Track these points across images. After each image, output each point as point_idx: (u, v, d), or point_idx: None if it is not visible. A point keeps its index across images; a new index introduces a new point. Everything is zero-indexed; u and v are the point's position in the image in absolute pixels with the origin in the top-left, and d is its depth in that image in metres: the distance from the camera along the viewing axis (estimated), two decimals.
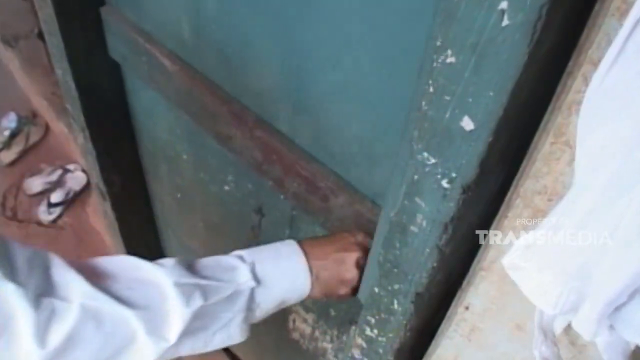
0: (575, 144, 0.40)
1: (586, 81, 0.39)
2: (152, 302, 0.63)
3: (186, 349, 0.66)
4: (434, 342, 0.69)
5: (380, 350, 0.74)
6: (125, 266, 0.66)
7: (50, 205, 2.49)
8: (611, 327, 0.43)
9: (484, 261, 0.55)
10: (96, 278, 0.61)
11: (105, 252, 2.37)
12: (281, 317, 1.32)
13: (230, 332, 0.70)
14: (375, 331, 0.72)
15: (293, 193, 0.90)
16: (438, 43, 0.42)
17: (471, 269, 0.58)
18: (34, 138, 2.73)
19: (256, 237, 1.20)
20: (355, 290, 0.77)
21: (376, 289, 0.67)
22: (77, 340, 0.57)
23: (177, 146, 1.25)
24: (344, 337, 1.09)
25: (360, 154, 0.78)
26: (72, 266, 0.61)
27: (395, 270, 0.62)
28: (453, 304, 0.63)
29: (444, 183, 0.49)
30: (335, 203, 0.84)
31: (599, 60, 0.36)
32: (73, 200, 2.55)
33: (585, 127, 0.39)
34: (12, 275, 0.54)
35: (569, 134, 0.42)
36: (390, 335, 0.70)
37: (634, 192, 0.37)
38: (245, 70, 0.87)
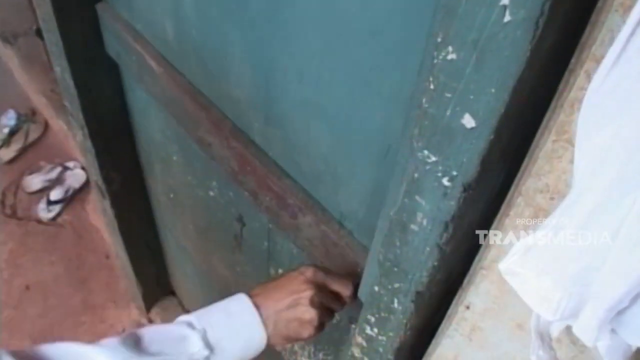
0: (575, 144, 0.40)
1: (589, 78, 0.38)
2: None
3: None
4: (434, 341, 0.69)
5: (380, 349, 0.73)
6: (69, 354, 0.63)
7: (50, 202, 2.49)
8: (613, 331, 0.42)
9: (485, 260, 0.54)
10: None
11: (105, 250, 2.37)
12: None
13: None
14: (376, 330, 0.72)
15: (266, 207, 0.90)
16: (439, 39, 0.41)
17: (472, 268, 0.58)
18: (33, 136, 2.73)
19: (239, 246, 1.20)
20: (321, 326, 0.75)
21: (376, 288, 0.66)
22: None
23: (168, 147, 1.25)
24: (320, 355, 1.10)
25: (326, 173, 0.78)
26: (17, 358, 0.59)
27: (396, 269, 0.61)
28: (453, 303, 0.63)
29: (445, 181, 0.49)
30: (304, 221, 0.84)
31: (602, 57, 0.36)
32: (72, 198, 2.55)
33: (585, 128, 0.38)
34: None
35: (571, 131, 0.41)
36: (391, 334, 0.69)
37: (636, 195, 0.36)
38: (222, 77, 0.88)
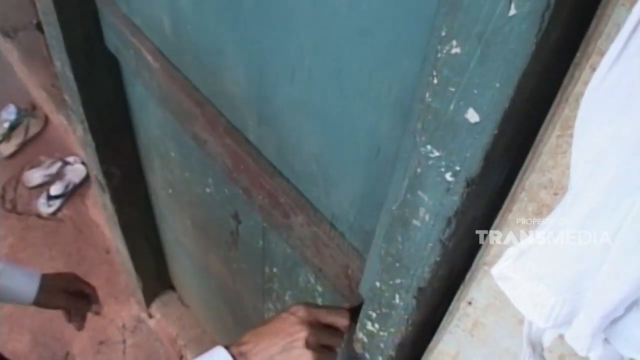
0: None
1: (594, 72, 0.38)
2: None
3: None
4: (435, 337, 0.69)
5: (382, 345, 0.73)
6: None
7: (50, 197, 2.49)
8: (606, 340, 0.42)
9: (487, 256, 0.54)
10: None
11: (105, 245, 2.37)
12: None
13: None
14: (377, 326, 0.72)
15: (259, 205, 0.90)
16: (443, 33, 0.41)
17: (474, 264, 0.57)
18: (33, 130, 2.72)
19: (235, 243, 1.20)
20: None
21: (377, 283, 0.66)
22: None
23: (166, 143, 1.25)
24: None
25: (318, 173, 0.78)
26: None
27: (397, 264, 0.61)
28: (455, 298, 0.62)
29: (448, 176, 0.48)
30: (296, 221, 0.83)
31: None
32: (73, 193, 2.55)
33: (584, 126, 0.38)
34: None
35: None
36: (392, 329, 0.69)
37: (635, 198, 0.36)
38: (217, 74, 0.87)
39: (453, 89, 0.43)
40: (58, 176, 2.55)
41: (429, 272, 0.58)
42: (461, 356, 0.66)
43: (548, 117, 0.44)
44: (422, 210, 0.53)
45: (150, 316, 2.13)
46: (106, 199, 1.59)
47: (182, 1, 0.84)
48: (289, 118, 0.77)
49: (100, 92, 1.27)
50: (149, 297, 2.07)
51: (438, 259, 0.56)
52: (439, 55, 0.42)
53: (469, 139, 0.45)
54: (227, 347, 0.69)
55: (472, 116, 0.43)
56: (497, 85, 0.40)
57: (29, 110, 2.76)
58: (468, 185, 0.48)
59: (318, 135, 0.74)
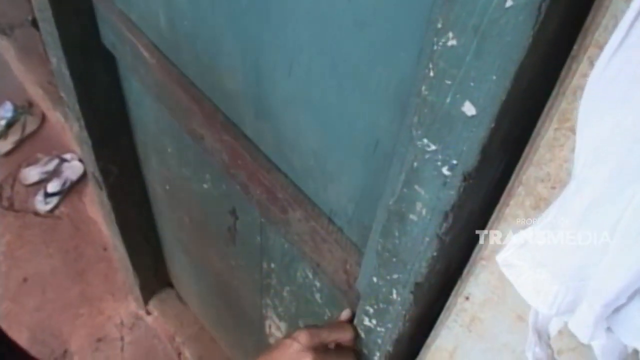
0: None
1: (592, 65, 0.37)
2: None
3: None
4: (433, 333, 0.69)
5: (379, 341, 0.73)
6: None
7: (47, 195, 2.48)
8: (609, 329, 0.42)
9: (485, 250, 0.54)
10: None
11: (102, 242, 2.36)
12: (258, 321, 1.33)
13: None
14: (374, 321, 0.71)
15: (257, 200, 0.90)
16: (439, 25, 0.41)
17: (471, 258, 0.57)
18: (30, 128, 2.72)
19: (233, 239, 1.20)
20: None
21: (374, 279, 0.66)
22: None
23: (163, 139, 1.24)
24: None
25: (316, 168, 0.78)
26: None
27: (394, 259, 0.61)
28: (453, 293, 0.62)
29: (445, 170, 0.48)
30: (293, 216, 0.83)
31: (606, 44, 0.35)
32: (70, 190, 2.55)
33: (586, 117, 0.38)
34: None
35: (574, 119, 0.41)
36: (389, 325, 0.69)
37: (635, 188, 0.35)
38: (213, 69, 0.87)
39: (449, 82, 0.43)
40: (55, 173, 2.55)
41: (426, 267, 0.58)
42: (459, 351, 0.66)
43: (545, 110, 0.44)
44: (418, 205, 0.53)
45: (148, 313, 2.13)
46: (103, 196, 1.58)
47: None
48: (286, 113, 0.77)
49: (97, 88, 1.26)
50: (147, 294, 2.07)
51: (435, 253, 0.56)
52: (435, 47, 0.42)
53: (466, 133, 0.44)
54: None
55: (469, 109, 0.43)
56: (494, 78, 0.40)
57: (25, 108, 2.75)
58: (465, 179, 0.47)
59: (316, 129, 0.73)
